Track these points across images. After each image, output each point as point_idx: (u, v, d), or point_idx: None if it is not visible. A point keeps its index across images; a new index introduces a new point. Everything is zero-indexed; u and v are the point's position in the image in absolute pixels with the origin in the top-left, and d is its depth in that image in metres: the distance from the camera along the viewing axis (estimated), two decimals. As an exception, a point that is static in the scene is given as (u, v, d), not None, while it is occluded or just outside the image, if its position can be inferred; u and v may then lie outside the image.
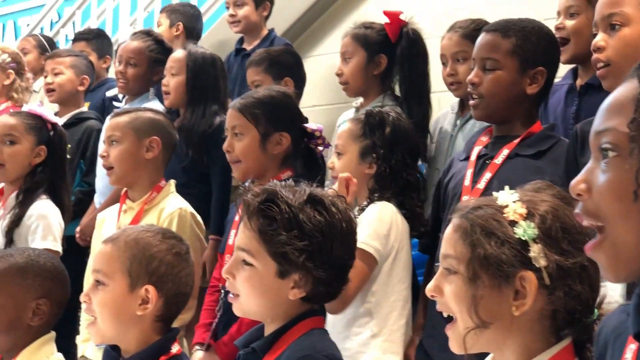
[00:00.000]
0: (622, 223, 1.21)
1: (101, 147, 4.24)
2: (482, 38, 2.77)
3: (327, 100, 5.05)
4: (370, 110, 3.00)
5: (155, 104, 4.26)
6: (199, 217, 3.32)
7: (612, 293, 2.28)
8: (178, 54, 4.17)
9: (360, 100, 3.78)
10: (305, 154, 3.14)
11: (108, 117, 4.22)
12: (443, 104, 3.84)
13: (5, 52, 4.92)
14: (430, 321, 2.83)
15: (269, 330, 2.02)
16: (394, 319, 2.82)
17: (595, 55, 2.35)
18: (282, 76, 4.06)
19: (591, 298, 1.59)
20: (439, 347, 2.66)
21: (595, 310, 1.59)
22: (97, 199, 4.29)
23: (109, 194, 4.13)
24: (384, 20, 3.76)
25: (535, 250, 1.57)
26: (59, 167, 3.57)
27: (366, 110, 3.04)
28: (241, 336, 2.12)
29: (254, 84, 4.08)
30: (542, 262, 1.57)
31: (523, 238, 1.57)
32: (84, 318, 3.35)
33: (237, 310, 2.03)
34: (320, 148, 3.18)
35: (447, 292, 1.64)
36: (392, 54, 3.66)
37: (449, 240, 1.65)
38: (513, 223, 1.59)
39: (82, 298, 2.23)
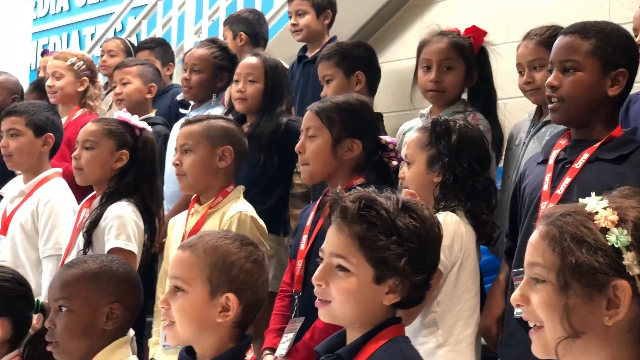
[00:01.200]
0: None
1: (170, 153, 4.32)
2: (560, 40, 2.72)
3: (391, 107, 5.02)
4: (436, 119, 2.97)
5: (219, 110, 4.28)
6: (260, 221, 3.30)
7: None
8: (252, 60, 4.16)
9: (428, 108, 3.74)
10: (379, 166, 3.11)
11: (177, 124, 4.28)
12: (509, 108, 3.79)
13: (80, 59, 4.98)
14: (507, 329, 2.78)
15: (352, 336, 2.00)
16: (460, 329, 2.78)
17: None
18: (354, 70, 4.01)
19: None
20: (518, 356, 2.61)
21: None
22: (165, 206, 4.31)
23: (176, 200, 4.17)
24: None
25: (629, 258, 1.53)
26: (144, 172, 3.56)
27: (432, 118, 3.01)
28: (321, 342, 2.11)
29: (325, 78, 4.05)
30: (636, 270, 1.53)
31: (616, 245, 1.53)
32: (156, 322, 3.37)
33: (325, 316, 2.02)
34: (395, 162, 3.15)
35: (535, 301, 1.61)
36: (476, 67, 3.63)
37: (537, 248, 1.62)
38: (604, 230, 1.56)
39: (160, 304, 2.24)
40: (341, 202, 1.99)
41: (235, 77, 4.18)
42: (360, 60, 4.07)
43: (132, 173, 3.53)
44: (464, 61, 3.56)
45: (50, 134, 3.92)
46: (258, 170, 3.91)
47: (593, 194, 1.63)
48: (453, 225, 2.76)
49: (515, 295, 1.64)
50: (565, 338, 1.55)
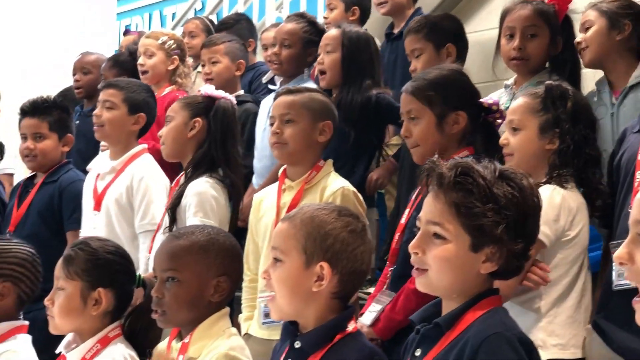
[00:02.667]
0: None
1: (260, 127, 4.37)
2: None
3: (475, 79, 4.94)
4: (550, 84, 2.91)
5: (310, 84, 4.30)
6: (360, 197, 3.32)
7: None
8: (332, 32, 4.18)
9: (513, 79, 3.71)
10: (484, 130, 3.06)
11: (269, 98, 4.32)
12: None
13: (171, 38, 5.05)
14: (603, 297, 2.78)
15: (449, 306, 2.01)
16: (563, 302, 2.77)
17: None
18: (444, 43, 3.98)
19: None
20: (608, 318, 2.60)
21: None
22: (255, 181, 4.36)
23: (266, 175, 4.20)
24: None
25: None
26: (220, 141, 3.64)
27: (546, 84, 2.94)
28: (416, 312, 2.11)
29: (414, 53, 4.01)
30: None
31: None
32: (246, 296, 3.42)
33: (422, 285, 2.01)
34: (499, 121, 3.10)
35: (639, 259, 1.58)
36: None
37: None
38: None
39: (262, 275, 2.27)
40: (437, 169, 1.99)
41: (318, 51, 4.19)
42: (449, 32, 4.03)
43: (207, 141, 3.62)
44: (548, 28, 3.53)
45: (142, 114, 4.00)
46: (345, 143, 3.90)
47: None
48: (560, 199, 2.73)
49: (619, 253, 1.61)
50: None
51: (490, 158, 2.04)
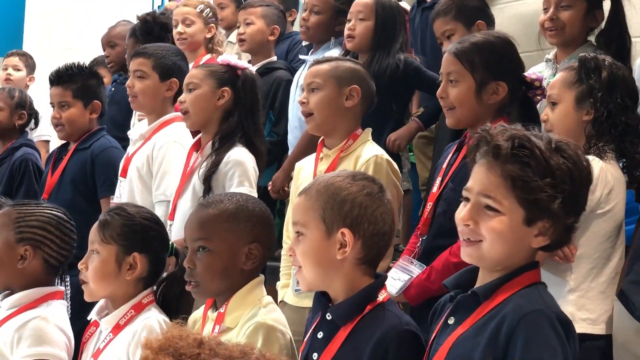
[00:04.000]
0: None
1: (294, 98, 4.35)
2: None
3: (519, 49, 4.92)
4: (584, 56, 2.89)
5: (336, 52, 4.28)
6: (395, 165, 3.30)
7: None
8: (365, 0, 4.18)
9: (554, 51, 3.67)
10: (522, 104, 3.00)
11: (301, 69, 4.31)
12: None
13: (207, 6, 5.04)
14: (631, 261, 2.74)
15: (488, 276, 1.99)
16: (594, 276, 2.74)
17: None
18: (474, 20, 3.99)
19: None
20: (633, 281, 2.58)
21: None
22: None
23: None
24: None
25: None
26: (250, 111, 3.62)
27: (580, 56, 2.92)
28: (450, 277, 2.11)
29: (445, 34, 4.03)
30: None
31: None
32: (284, 264, 3.42)
33: (470, 257, 2.00)
34: (539, 98, 3.05)
35: None
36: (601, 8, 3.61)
37: None
38: None
39: (287, 252, 2.27)
40: (492, 140, 1.96)
41: (348, 17, 4.19)
42: (477, 10, 4.06)
43: (237, 112, 3.59)
44: (584, 0, 3.54)
45: (175, 79, 3.95)
46: (374, 109, 3.87)
47: None
48: (597, 171, 2.69)
49: None
50: None
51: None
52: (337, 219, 2.19)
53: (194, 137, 3.76)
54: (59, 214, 3.02)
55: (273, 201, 4.39)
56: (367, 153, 3.25)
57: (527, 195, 1.91)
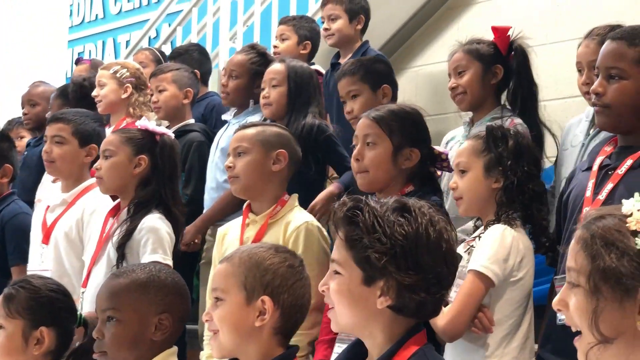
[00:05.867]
0: None
1: (213, 159, 4.33)
2: (606, 46, 2.70)
3: (429, 111, 5.00)
4: (491, 125, 2.97)
5: (257, 117, 4.30)
6: (325, 232, 3.29)
7: None
8: (277, 66, 4.21)
9: (470, 115, 3.75)
10: (426, 176, 3.11)
11: (222, 131, 4.31)
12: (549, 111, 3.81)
13: (124, 67, 5.00)
14: (547, 330, 2.80)
15: (373, 348, 1.94)
16: (507, 342, 2.77)
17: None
18: (380, 84, 4.03)
19: None
20: (552, 351, 2.64)
21: None
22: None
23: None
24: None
25: None
26: (168, 178, 3.57)
27: (487, 125, 3.00)
28: (340, 354, 2.11)
29: (350, 94, 4.04)
30: None
31: None
32: (207, 334, 3.37)
33: (333, 324, 1.99)
34: (439, 173, 3.18)
35: (571, 306, 1.61)
36: (505, 66, 3.68)
37: (572, 252, 1.62)
38: (635, 233, 1.55)
39: (204, 317, 2.28)
40: (333, 206, 1.98)
41: (262, 85, 4.21)
42: (383, 74, 4.11)
43: (155, 179, 3.54)
44: (478, 61, 3.66)
45: (94, 145, 3.88)
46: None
47: (637, 194, 1.61)
48: (511, 240, 2.76)
49: (555, 300, 1.64)
50: (596, 344, 1.54)
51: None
52: (258, 287, 2.22)
53: (114, 201, 3.71)
54: None
55: (193, 263, 4.35)
56: (298, 219, 3.25)
57: (359, 253, 1.89)
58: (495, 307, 2.76)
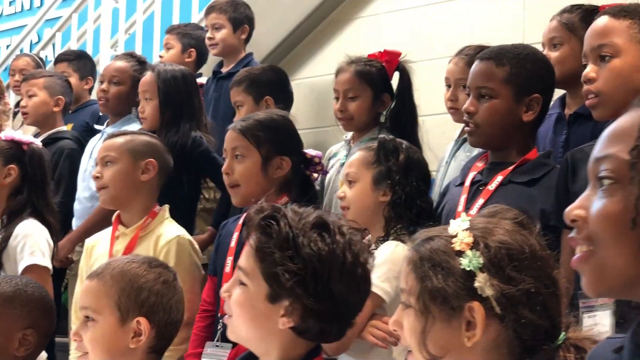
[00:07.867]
0: (614, 248, 1.19)
1: (87, 168, 4.24)
2: (476, 66, 2.75)
3: (311, 123, 5.03)
4: (384, 138, 2.95)
5: (136, 126, 4.22)
6: (196, 245, 3.26)
7: (603, 323, 2.26)
8: (147, 77, 4.07)
9: (351, 133, 3.77)
10: (301, 181, 3.08)
11: (95, 139, 4.22)
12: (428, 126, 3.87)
13: None
14: None
15: None
16: (397, 355, 2.75)
17: (585, 87, 2.44)
18: (263, 95, 4.04)
19: (549, 325, 1.56)
20: None
21: (562, 334, 1.57)
22: (75, 223, 4.27)
23: (86, 217, 4.11)
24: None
25: (480, 280, 1.56)
26: (38, 186, 3.51)
27: (379, 137, 2.99)
28: None
29: (236, 104, 4.07)
30: (488, 292, 1.56)
31: (467, 269, 1.56)
32: (73, 350, 3.28)
33: (229, 333, 1.90)
34: (315, 175, 3.15)
35: (405, 326, 1.63)
36: (389, 91, 3.72)
37: (403, 274, 1.65)
38: (460, 253, 1.58)
39: (72, 337, 2.21)
40: (249, 211, 1.87)
41: (138, 97, 4.09)
42: (269, 85, 4.10)
43: (26, 188, 3.48)
44: (370, 88, 3.66)
45: None
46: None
47: (463, 214, 1.65)
48: (403, 257, 2.71)
49: (391, 320, 1.66)
50: None
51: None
52: (133, 307, 2.16)
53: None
54: None
55: (62, 274, 4.25)
56: (169, 233, 3.19)
57: (268, 268, 1.78)
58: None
